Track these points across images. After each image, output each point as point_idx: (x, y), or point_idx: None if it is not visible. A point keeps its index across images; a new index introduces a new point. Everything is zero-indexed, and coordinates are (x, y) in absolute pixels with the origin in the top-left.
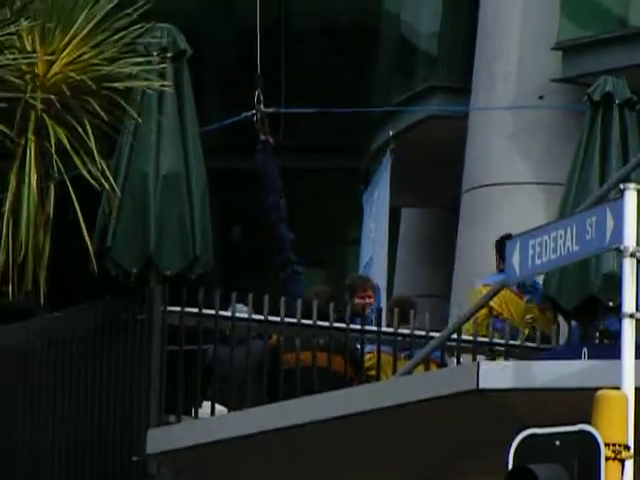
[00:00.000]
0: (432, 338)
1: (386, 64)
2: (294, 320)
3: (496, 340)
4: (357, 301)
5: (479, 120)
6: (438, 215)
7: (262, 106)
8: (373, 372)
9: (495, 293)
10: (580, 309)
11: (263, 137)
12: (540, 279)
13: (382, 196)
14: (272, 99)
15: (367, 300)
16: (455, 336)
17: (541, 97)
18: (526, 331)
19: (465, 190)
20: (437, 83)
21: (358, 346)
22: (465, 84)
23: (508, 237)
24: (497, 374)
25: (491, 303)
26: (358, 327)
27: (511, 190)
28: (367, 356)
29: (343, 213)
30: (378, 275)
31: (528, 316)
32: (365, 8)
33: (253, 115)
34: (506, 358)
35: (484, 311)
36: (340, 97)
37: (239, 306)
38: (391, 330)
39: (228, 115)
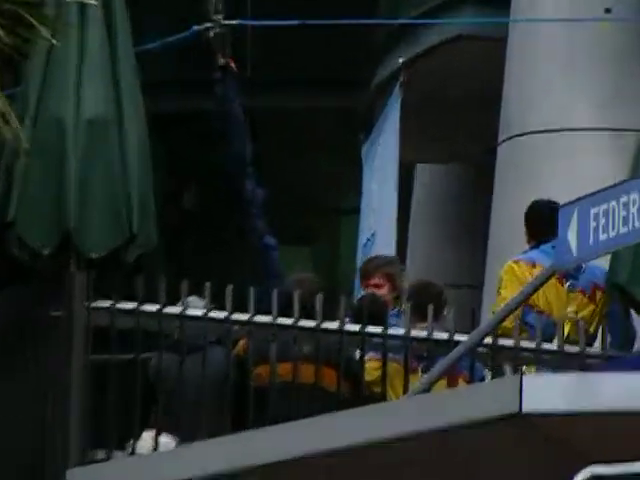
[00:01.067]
0: (458, 343)
1: None
2: (268, 319)
3: (546, 346)
4: (363, 292)
5: (522, 43)
6: (466, 174)
7: (221, 18)
8: (378, 389)
9: (543, 282)
10: None
11: (222, 61)
12: (602, 262)
13: (389, 148)
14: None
15: (374, 290)
16: (490, 340)
17: (608, 10)
18: (566, 329)
19: (502, 139)
20: None
21: (357, 354)
22: None
23: (544, 205)
24: (547, 392)
25: (521, 288)
26: (355, 328)
27: (565, 139)
28: (369, 366)
29: (334, 171)
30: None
31: (570, 309)
32: None
33: (208, 30)
34: (551, 368)
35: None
36: (330, 15)
37: (192, 299)
38: (402, 332)
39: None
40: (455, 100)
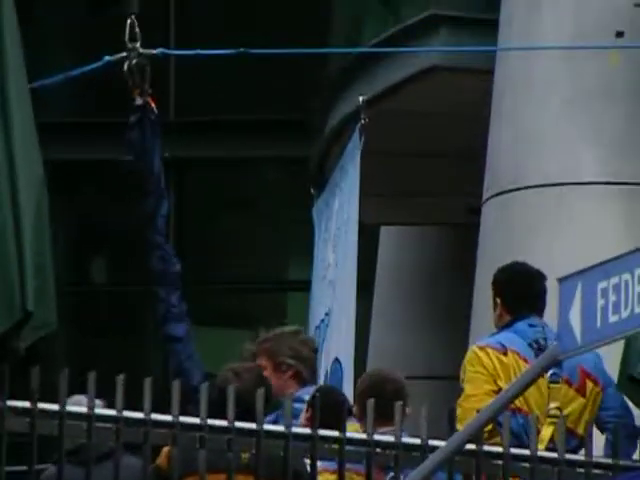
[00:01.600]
0: (434, 449)
1: None
2: (197, 420)
3: (543, 453)
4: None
5: (513, 74)
6: (442, 239)
7: (139, 46)
8: None
9: (538, 374)
10: None
11: (140, 101)
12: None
13: (347, 207)
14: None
15: None
16: (473, 447)
17: (620, 34)
18: (548, 431)
19: (489, 196)
20: (441, 11)
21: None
22: (492, 12)
23: (522, 270)
24: None
25: (498, 382)
26: (306, 431)
27: (567, 195)
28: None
29: (279, 236)
30: (342, 340)
31: (553, 405)
32: None
33: (123, 61)
34: None
35: (485, 393)
36: (274, 42)
37: (78, 399)
38: (363, 436)
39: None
40: (429, 147)
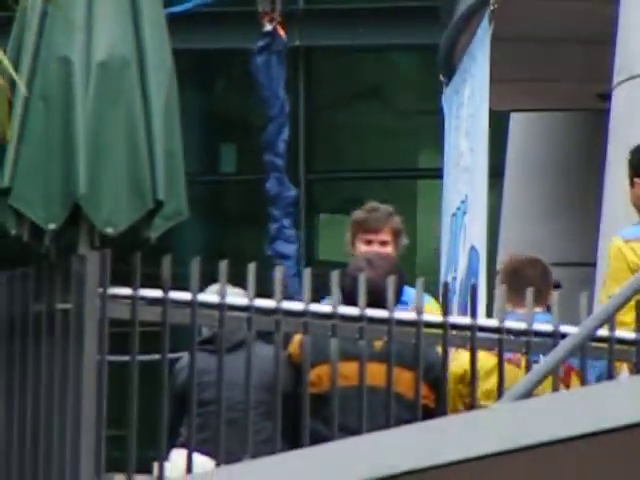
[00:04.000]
0: (565, 336)
1: None
2: (328, 308)
3: None
4: (361, 250)
5: None
6: (571, 125)
7: None
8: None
9: None
10: None
11: (269, 26)
12: None
13: (478, 94)
14: None
15: (376, 248)
16: (606, 332)
17: None
18: None
19: (620, 80)
20: None
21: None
22: None
23: None
24: None
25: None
26: (437, 318)
27: None
28: (455, 366)
29: (409, 123)
30: (476, 227)
31: None
32: None
33: None
34: None
35: None
36: None
37: (232, 289)
38: (494, 323)
39: None
40: (560, 31)
